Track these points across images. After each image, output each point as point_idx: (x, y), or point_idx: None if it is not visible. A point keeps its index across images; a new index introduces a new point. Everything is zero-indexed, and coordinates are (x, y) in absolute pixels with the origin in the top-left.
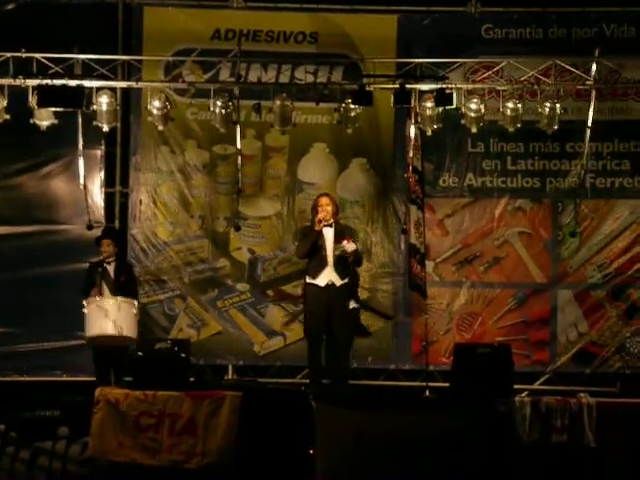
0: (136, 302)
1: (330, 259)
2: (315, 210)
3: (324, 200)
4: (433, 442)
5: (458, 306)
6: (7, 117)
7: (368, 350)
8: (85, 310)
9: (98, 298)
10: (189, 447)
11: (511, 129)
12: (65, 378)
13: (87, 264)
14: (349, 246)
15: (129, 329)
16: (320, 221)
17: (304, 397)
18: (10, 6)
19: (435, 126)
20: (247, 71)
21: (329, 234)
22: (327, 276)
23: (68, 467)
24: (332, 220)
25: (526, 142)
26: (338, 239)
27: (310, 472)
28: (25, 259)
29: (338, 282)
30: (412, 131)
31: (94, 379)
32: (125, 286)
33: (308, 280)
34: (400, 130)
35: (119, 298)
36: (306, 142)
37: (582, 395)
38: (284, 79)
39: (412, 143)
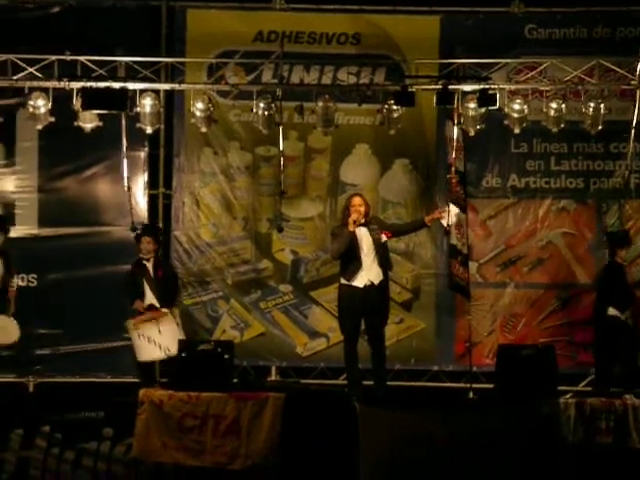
0: (175, 309)
1: (366, 260)
2: (347, 210)
3: (357, 200)
4: (477, 444)
5: (502, 307)
6: (52, 119)
7: (411, 351)
8: (130, 333)
9: (138, 325)
10: (233, 448)
11: (555, 129)
12: (109, 379)
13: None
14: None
15: (175, 345)
16: (354, 222)
17: (347, 398)
18: (55, 9)
19: (478, 127)
20: (290, 73)
21: (363, 234)
22: (365, 277)
23: (113, 468)
24: (364, 220)
25: (570, 142)
26: (374, 237)
27: (353, 474)
28: (70, 261)
29: (377, 280)
30: (454, 132)
31: (138, 380)
32: (164, 281)
33: (343, 281)
34: (442, 131)
35: (160, 321)
36: (349, 143)
37: (627, 397)
38: (327, 80)
39: (455, 144)
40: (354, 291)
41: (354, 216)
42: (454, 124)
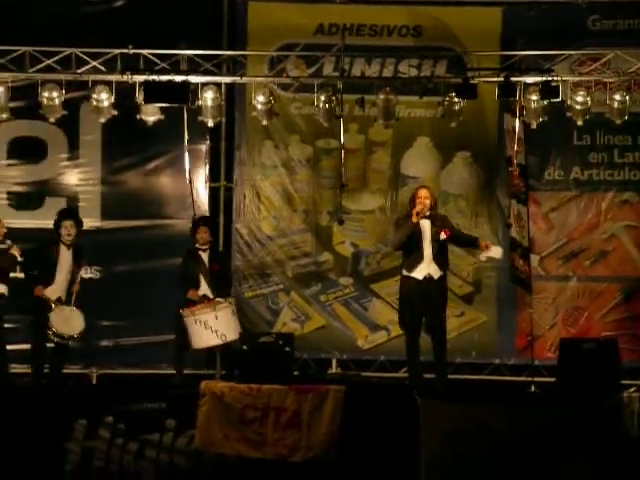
0: (231, 298)
1: (428, 252)
2: (413, 202)
3: (423, 192)
4: (538, 437)
5: (564, 300)
6: (115, 113)
7: (472, 344)
8: (183, 321)
9: (194, 311)
10: (294, 441)
11: (618, 121)
12: (171, 371)
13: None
14: (496, 252)
15: (232, 332)
16: (418, 213)
17: (408, 391)
18: (119, 3)
19: (540, 119)
20: (351, 65)
21: (426, 227)
22: (425, 269)
23: (175, 459)
24: (429, 213)
25: (634, 134)
26: (435, 231)
27: (414, 467)
28: (132, 253)
29: (436, 275)
30: (516, 124)
31: (199, 372)
32: (219, 275)
33: (405, 273)
34: (503, 124)
35: (216, 307)
36: (409, 136)
37: None
38: (388, 73)
39: (516, 136)
40: (414, 283)
41: (418, 207)
42: (513, 117)
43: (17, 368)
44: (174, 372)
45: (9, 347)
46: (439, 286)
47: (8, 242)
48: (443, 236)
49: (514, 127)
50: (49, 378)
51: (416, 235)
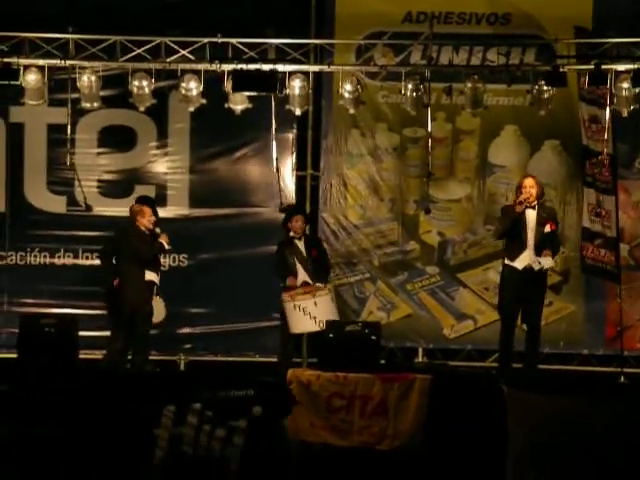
0: (330, 285)
1: (530, 242)
2: (519, 191)
3: (529, 181)
4: (627, 430)
5: None
6: (203, 101)
7: (560, 335)
8: (283, 305)
9: (295, 296)
10: (380, 429)
11: None
12: (258, 359)
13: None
14: (546, 262)
15: (330, 318)
16: (521, 202)
17: (495, 381)
18: None
19: (631, 107)
20: (438, 53)
21: (531, 216)
22: (526, 259)
23: (262, 447)
24: (535, 202)
25: None
26: (541, 222)
27: (501, 457)
28: (219, 241)
29: (537, 266)
30: (607, 113)
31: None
32: (318, 261)
33: (506, 262)
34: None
35: (316, 294)
36: (497, 124)
37: None
38: (476, 61)
39: (607, 125)
40: (514, 272)
41: (523, 196)
42: (588, 105)
43: (96, 354)
44: (261, 359)
45: (87, 334)
46: (540, 277)
47: (157, 230)
48: (547, 229)
49: (590, 115)
50: (133, 365)
51: (520, 224)
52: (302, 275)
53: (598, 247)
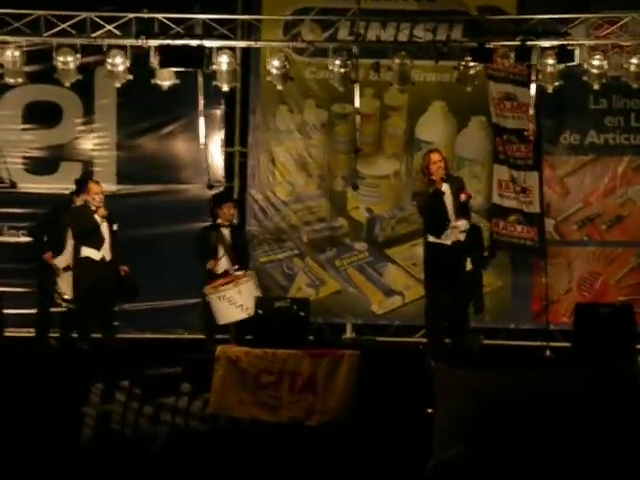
0: (250, 271)
1: (452, 216)
2: (428, 168)
3: (436, 156)
4: (554, 402)
5: (579, 265)
6: (130, 77)
7: (486, 309)
8: (207, 298)
9: (218, 288)
10: (309, 405)
11: (635, 85)
12: (186, 336)
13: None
14: (462, 224)
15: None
16: (443, 179)
17: (422, 356)
18: None
19: (556, 83)
20: (366, 30)
21: (447, 190)
22: (452, 234)
23: (190, 423)
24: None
25: None
26: (455, 193)
27: (428, 431)
28: (146, 218)
29: (462, 236)
30: (532, 90)
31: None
32: (241, 249)
33: (431, 239)
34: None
35: (239, 282)
36: (425, 100)
37: None
38: (403, 37)
39: (532, 101)
40: (441, 248)
41: (440, 172)
42: (495, 83)
43: (22, 332)
44: (190, 337)
45: (12, 311)
46: (468, 244)
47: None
48: (463, 197)
49: (503, 93)
50: (60, 343)
51: (437, 200)
52: (224, 263)
53: (513, 223)
